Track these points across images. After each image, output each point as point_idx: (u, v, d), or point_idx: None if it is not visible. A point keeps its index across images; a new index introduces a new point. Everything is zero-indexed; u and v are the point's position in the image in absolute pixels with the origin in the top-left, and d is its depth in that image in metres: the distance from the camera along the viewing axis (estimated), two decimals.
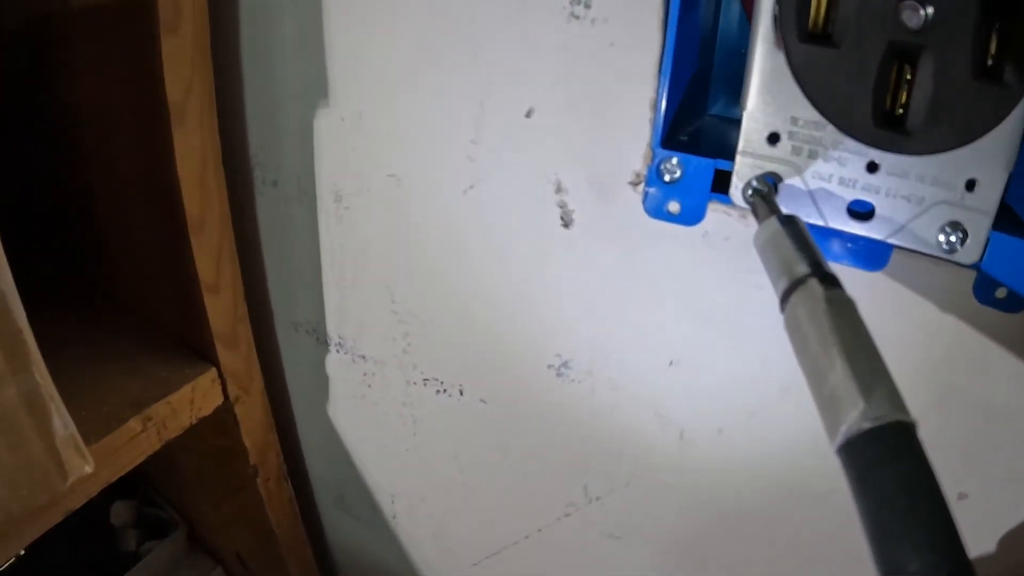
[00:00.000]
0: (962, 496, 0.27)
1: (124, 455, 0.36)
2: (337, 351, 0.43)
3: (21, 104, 0.42)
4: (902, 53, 0.19)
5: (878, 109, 0.20)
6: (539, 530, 0.41)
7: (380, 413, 0.44)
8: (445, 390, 0.39)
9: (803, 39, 0.20)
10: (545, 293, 0.33)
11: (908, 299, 0.26)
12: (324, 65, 0.33)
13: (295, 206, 0.39)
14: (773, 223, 0.19)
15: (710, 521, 0.35)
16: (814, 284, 0.16)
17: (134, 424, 0.35)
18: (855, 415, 0.13)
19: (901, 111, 0.20)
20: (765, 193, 0.22)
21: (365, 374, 0.42)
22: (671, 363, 0.31)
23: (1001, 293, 0.24)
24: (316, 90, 0.34)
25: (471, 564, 0.47)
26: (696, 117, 0.29)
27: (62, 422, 0.30)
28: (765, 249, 0.19)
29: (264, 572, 0.54)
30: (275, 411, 0.45)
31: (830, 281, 0.16)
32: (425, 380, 0.40)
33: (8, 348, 0.27)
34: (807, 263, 0.17)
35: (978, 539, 0.28)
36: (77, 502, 0.34)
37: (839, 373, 0.14)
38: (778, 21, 0.20)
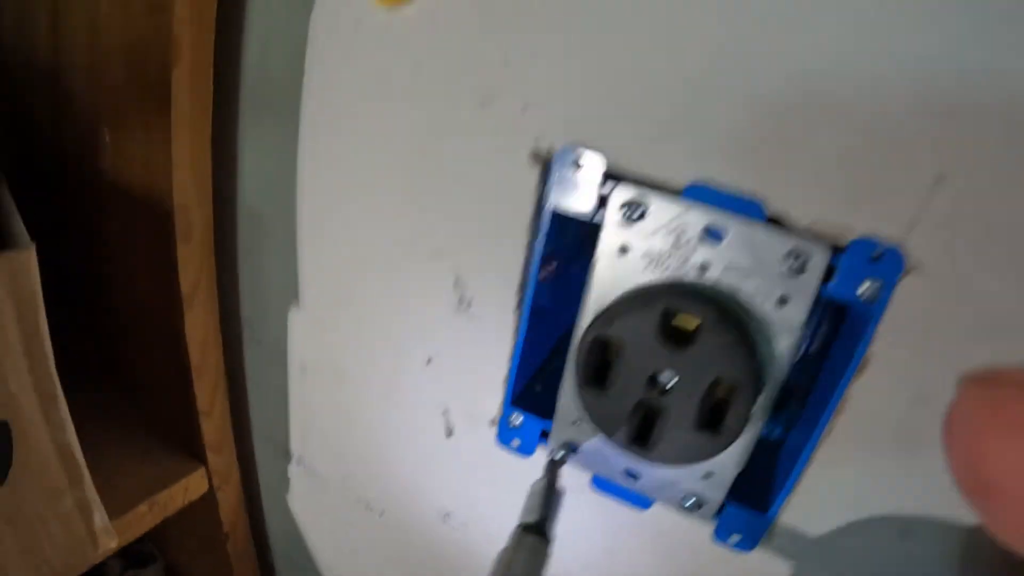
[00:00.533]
0: None
1: (135, 529, 0.49)
2: (297, 464, 0.57)
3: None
4: (649, 404, 0.31)
5: (630, 434, 0.32)
6: None
7: (321, 508, 0.58)
8: (370, 508, 0.54)
9: (585, 384, 0.32)
10: (433, 472, 0.48)
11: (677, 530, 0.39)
12: (296, 272, 0.47)
13: (273, 363, 0.52)
14: (541, 481, 0.33)
15: None
16: (521, 532, 0.30)
17: (143, 508, 0.49)
18: None
19: (647, 437, 0.32)
20: (557, 460, 0.36)
21: (315, 484, 0.57)
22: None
23: (735, 539, 0.35)
24: (290, 286, 0.48)
25: None
26: (553, 378, 0.38)
27: (100, 517, 0.43)
28: (530, 492, 0.33)
29: None
30: (249, 498, 0.58)
31: (535, 531, 0.30)
32: (358, 499, 0.54)
33: (66, 467, 0.39)
34: (533, 517, 0.31)
35: None
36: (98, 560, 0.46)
37: None
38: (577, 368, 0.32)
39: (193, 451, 0.52)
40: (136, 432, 0.54)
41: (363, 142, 0.40)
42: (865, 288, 0.29)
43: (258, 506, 0.64)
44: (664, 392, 0.32)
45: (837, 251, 0.29)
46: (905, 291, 0.28)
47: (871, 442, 0.31)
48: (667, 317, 0.31)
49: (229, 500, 0.56)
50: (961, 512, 0.28)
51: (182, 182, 0.42)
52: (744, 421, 0.31)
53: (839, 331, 0.35)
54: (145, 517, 0.49)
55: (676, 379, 0.31)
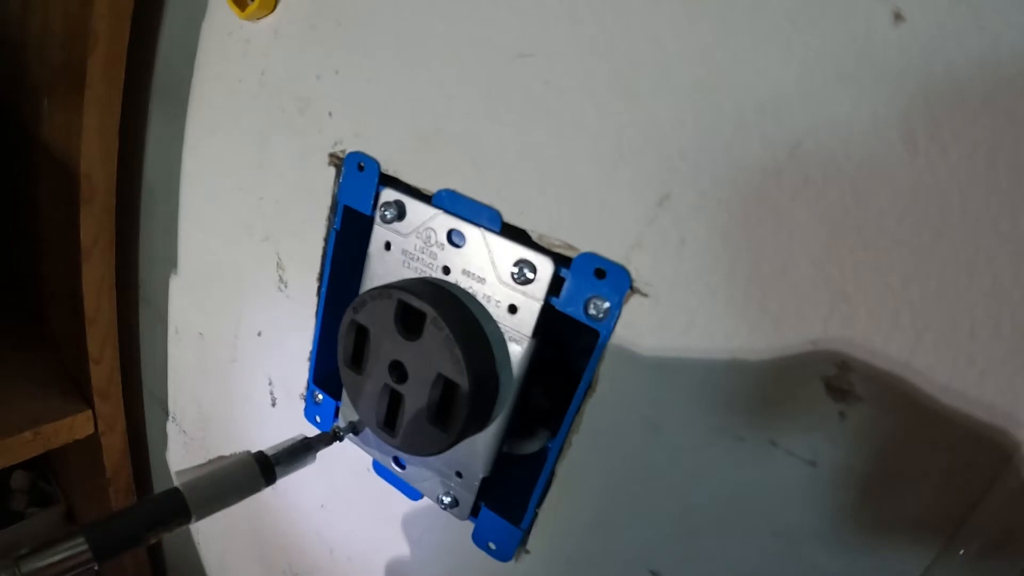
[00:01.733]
0: None
1: (17, 452, 0.55)
2: (172, 422, 0.62)
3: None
4: (393, 391, 0.33)
5: (379, 417, 0.34)
6: None
7: (193, 463, 0.63)
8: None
9: (346, 364, 0.35)
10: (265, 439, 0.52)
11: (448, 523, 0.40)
12: (174, 247, 0.53)
13: (158, 324, 0.58)
14: (300, 437, 0.37)
15: None
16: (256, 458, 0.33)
17: (28, 435, 0.55)
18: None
19: (395, 423, 0.34)
20: (331, 432, 0.39)
21: (185, 442, 0.62)
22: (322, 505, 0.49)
23: (492, 546, 0.37)
24: (171, 255, 0.53)
25: None
26: None
27: None
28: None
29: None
30: (138, 450, 0.64)
31: (260, 460, 0.33)
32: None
33: None
34: (277, 450, 0.34)
35: None
36: None
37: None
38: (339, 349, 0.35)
39: (83, 395, 0.58)
40: (34, 372, 0.60)
41: (222, 135, 0.45)
42: (593, 307, 0.30)
43: (144, 456, 0.70)
44: (404, 380, 0.34)
45: (566, 266, 0.31)
46: (632, 313, 0.29)
47: (606, 464, 0.32)
48: (405, 309, 0.33)
49: (113, 446, 0.61)
50: (701, 556, 0.30)
51: (89, 152, 0.49)
52: (466, 417, 0.32)
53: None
54: (29, 444, 0.55)
55: (412, 369, 0.34)
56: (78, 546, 0.28)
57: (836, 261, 0.24)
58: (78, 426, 0.57)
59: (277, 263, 0.44)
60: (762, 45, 0.24)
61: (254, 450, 0.35)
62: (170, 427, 0.63)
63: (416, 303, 0.32)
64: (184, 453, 0.64)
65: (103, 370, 0.56)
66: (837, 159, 0.23)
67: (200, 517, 0.32)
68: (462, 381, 0.32)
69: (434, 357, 0.32)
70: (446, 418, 0.33)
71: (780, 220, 0.25)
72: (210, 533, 0.66)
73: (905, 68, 0.21)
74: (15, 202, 0.60)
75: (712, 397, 0.28)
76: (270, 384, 0.48)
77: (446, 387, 0.33)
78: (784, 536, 0.28)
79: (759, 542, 0.28)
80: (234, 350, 0.50)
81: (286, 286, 0.43)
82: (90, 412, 0.57)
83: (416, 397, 0.33)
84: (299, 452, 0.36)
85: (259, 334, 0.48)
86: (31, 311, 0.63)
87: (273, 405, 0.49)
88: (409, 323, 0.33)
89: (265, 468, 0.34)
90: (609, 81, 0.28)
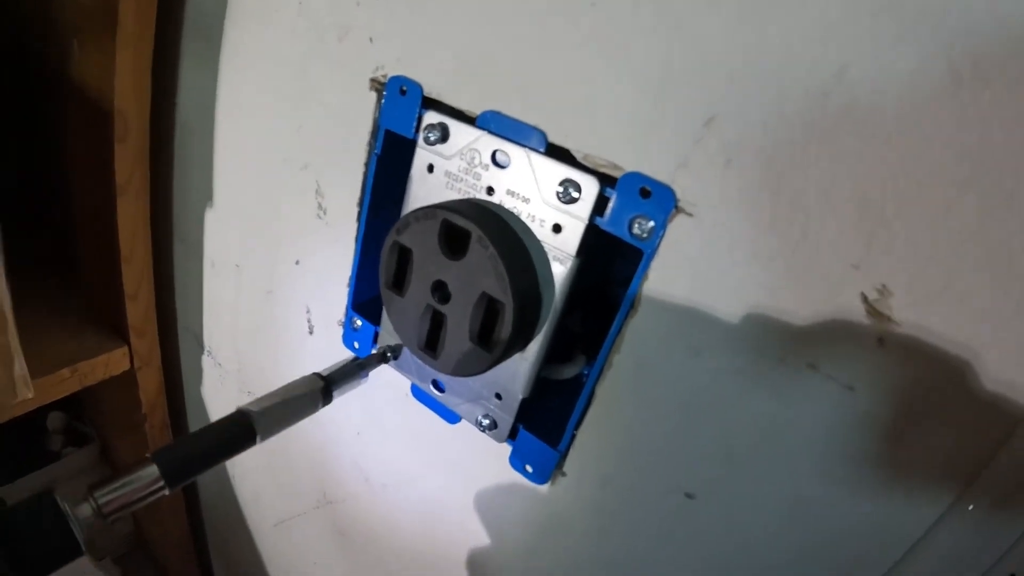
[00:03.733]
0: None
1: (56, 390, 0.56)
2: (207, 355, 0.63)
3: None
4: (436, 312, 0.34)
5: (421, 339, 0.35)
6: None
7: (224, 397, 0.65)
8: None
9: (387, 287, 0.35)
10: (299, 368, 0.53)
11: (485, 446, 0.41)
12: (209, 183, 0.53)
13: (192, 259, 0.59)
14: (352, 358, 0.38)
15: None
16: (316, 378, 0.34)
17: (65, 372, 0.56)
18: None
19: (436, 344, 0.34)
20: (376, 354, 0.40)
21: (220, 375, 0.63)
22: (359, 432, 0.50)
23: (529, 469, 0.37)
24: (207, 190, 0.54)
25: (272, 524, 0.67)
26: None
27: (20, 367, 0.49)
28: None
29: None
30: (172, 385, 0.65)
31: (325, 380, 0.34)
32: (248, 392, 0.60)
33: None
34: (332, 369, 0.35)
35: None
36: (18, 412, 0.53)
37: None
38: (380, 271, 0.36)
39: (118, 331, 0.59)
40: (70, 310, 0.61)
41: (259, 68, 0.45)
42: (637, 226, 0.31)
43: (179, 391, 0.71)
44: (447, 300, 0.35)
45: (611, 186, 0.31)
46: (676, 233, 0.29)
47: (645, 385, 0.33)
48: (449, 229, 0.33)
49: (149, 382, 0.62)
50: (735, 480, 0.31)
51: (123, 90, 0.49)
52: (510, 336, 0.33)
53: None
54: (67, 381, 0.56)
55: (455, 289, 0.34)
56: (150, 473, 0.29)
57: (879, 188, 0.24)
58: (114, 363, 0.58)
59: (316, 190, 0.44)
60: None
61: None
62: (205, 361, 0.65)
63: (461, 222, 0.32)
64: (219, 387, 0.65)
65: (139, 307, 0.57)
66: (882, 87, 0.23)
67: (264, 438, 0.33)
68: (507, 299, 0.32)
69: (478, 276, 0.33)
70: (489, 337, 0.33)
71: (824, 145, 0.25)
72: (245, 465, 0.68)
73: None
74: (45, 143, 0.60)
75: (753, 320, 0.28)
76: (307, 312, 0.49)
77: (489, 306, 0.33)
78: (818, 464, 0.28)
79: (793, 467, 0.29)
80: (271, 280, 0.51)
81: (325, 213, 0.44)
82: (126, 348, 0.59)
83: (459, 317, 0.34)
84: (353, 372, 0.37)
85: (297, 263, 0.48)
86: (64, 250, 0.64)
87: (310, 333, 0.50)
88: (453, 243, 0.33)
89: (324, 388, 0.35)
90: (657, 2, 0.27)
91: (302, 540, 0.64)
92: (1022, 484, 0.24)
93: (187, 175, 0.56)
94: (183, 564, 0.82)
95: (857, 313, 0.26)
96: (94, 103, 0.51)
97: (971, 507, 0.25)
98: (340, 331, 0.47)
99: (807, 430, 0.28)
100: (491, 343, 0.33)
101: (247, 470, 0.68)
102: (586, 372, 0.42)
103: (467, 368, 0.35)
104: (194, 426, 0.73)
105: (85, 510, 0.26)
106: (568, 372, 0.41)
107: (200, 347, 0.64)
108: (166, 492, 0.30)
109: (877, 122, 0.23)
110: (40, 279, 0.62)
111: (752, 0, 0.25)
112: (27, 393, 0.51)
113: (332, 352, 0.48)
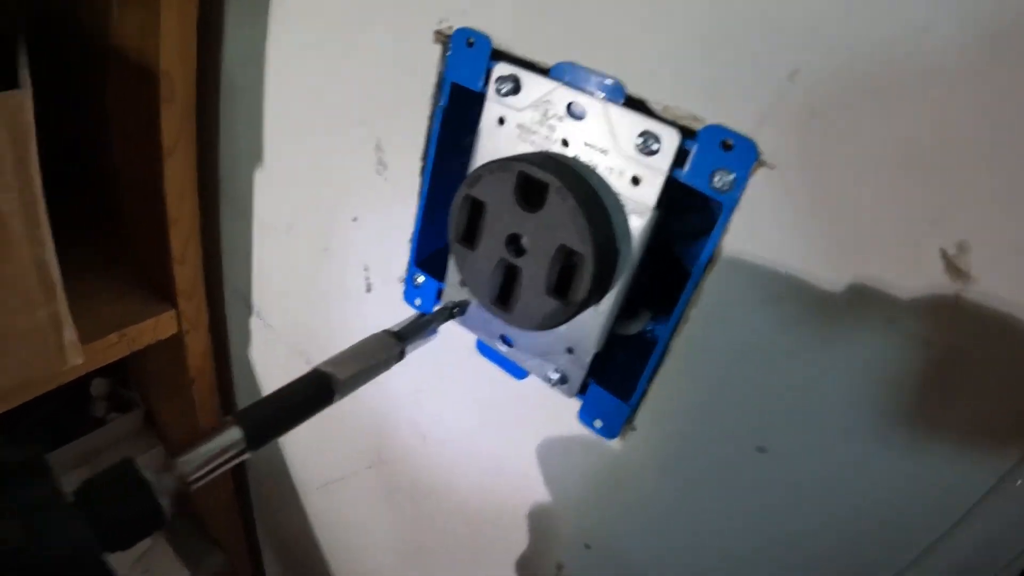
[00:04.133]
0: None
1: (104, 355, 0.56)
2: (256, 317, 0.63)
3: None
4: (509, 266, 0.34)
5: (493, 293, 0.34)
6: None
7: (274, 358, 0.65)
8: (309, 360, 0.60)
9: (457, 240, 0.35)
10: (355, 326, 0.53)
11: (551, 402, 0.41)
12: (258, 142, 0.52)
13: (240, 219, 0.58)
14: (419, 313, 0.37)
15: None
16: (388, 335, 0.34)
17: (114, 337, 0.56)
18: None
19: (508, 298, 0.34)
20: (444, 309, 0.40)
21: (269, 337, 0.63)
22: (417, 390, 0.50)
23: (598, 424, 0.38)
24: (256, 149, 0.53)
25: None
26: None
27: (70, 333, 0.50)
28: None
29: None
30: (217, 347, 0.65)
31: (397, 336, 0.34)
32: (295, 351, 0.60)
33: (42, 282, 0.46)
34: (403, 325, 0.35)
35: None
36: (68, 378, 0.54)
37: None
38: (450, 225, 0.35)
39: (166, 295, 0.59)
40: (116, 274, 0.61)
41: (312, 23, 0.44)
42: (718, 179, 0.30)
43: (225, 355, 0.71)
44: (521, 254, 0.35)
45: (691, 137, 0.30)
46: (758, 186, 0.29)
47: (722, 339, 0.33)
48: (525, 181, 0.33)
49: (196, 345, 0.62)
50: (806, 435, 0.31)
51: (169, 50, 0.48)
52: (588, 289, 0.32)
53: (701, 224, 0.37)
54: (115, 346, 0.56)
55: (531, 242, 0.34)
56: (232, 436, 0.28)
57: (960, 145, 0.24)
58: (162, 326, 0.59)
59: (376, 146, 0.43)
60: None
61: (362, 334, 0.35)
62: (254, 323, 0.65)
63: (539, 174, 0.32)
64: (269, 349, 0.65)
65: (187, 270, 0.57)
66: (962, 42, 0.23)
67: (341, 397, 0.33)
68: (586, 251, 0.32)
69: (556, 229, 0.32)
70: (566, 291, 0.33)
71: (907, 100, 0.24)
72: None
73: None
74: (88, 107, 0.59)
75: (834, 273, 0.28)
76: (365, 270, 0.49)
77: (567, 259, 0.33)
78: (893, 419, 0.28)
79: (869, 422, 0.29)
80: (327, 238, 0.51)
81: (385, 168, 0.43)
82: (173, 312, 0.59)
83: (535, 270, 0.34)
84: (423, 327, 0.37)
85: (354, 220, 0.48)
86: (109, 214, 0.63)
87: (368, 291, 0.50)
88: (530, 196, 0.33)
89: (398, 346, 0.35)
90: None
91: (351, 503, 0.65)
92: None
93: (234, 135, 0.55)
94: (228, 527, 0.83)
95: (935, 269, 0.25)
96: (136, 64, 0.50)
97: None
98: (399, 288, 0.47)
99: (884, 385, 0.28)
100: (569, 297, 0.33)
101: (295, 431, 0.69)
102: (650, 328, 0.42)
103: (543, 322, 0.34)
104: (241, 388, 0.73)
105: (168, 478, 0.25)
106: (635, 327, 0.41)
107: (248, 309, 0.64)
108: (248, 455, 0.29)
109: (961, 81, 0.23)
110: (86, 243, 0.62)
111: None
112: (77, 359, 0.51)
113: (390, 310, 0.48)
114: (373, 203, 0.46)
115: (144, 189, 0.54)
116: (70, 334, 0.50)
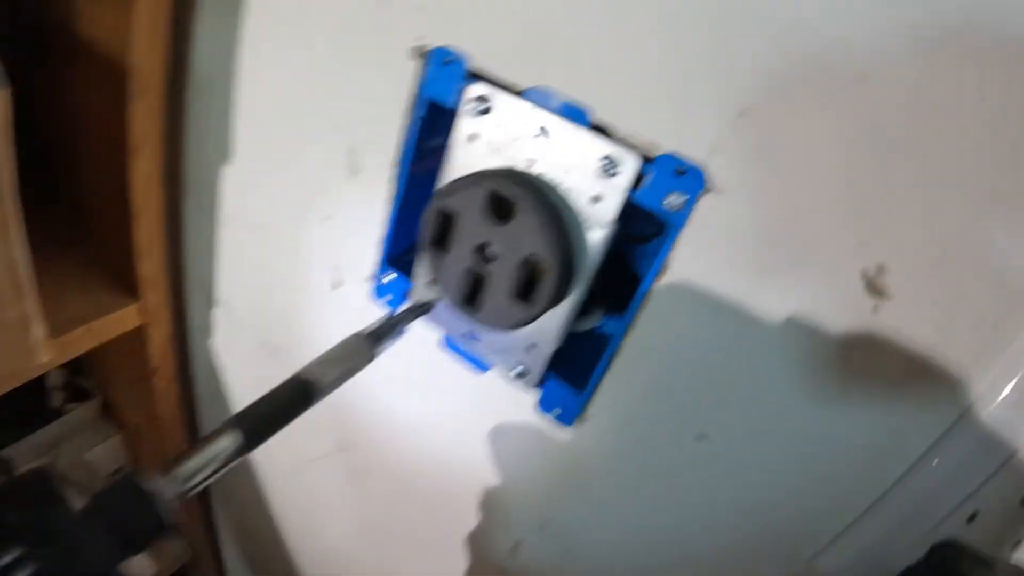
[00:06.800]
0: None
1: (71, 349, 0.56)
2: (220, 309, 0.64)
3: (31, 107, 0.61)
4: (477, 270, 0.36)
5: (462, 294, 0.37)
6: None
7: (238, 349, 0.66)
8: (275, 354, 0.62)
9: (430, 246, 0.38)
10: (321, 321, 0.55)
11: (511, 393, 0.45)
12: (228, 140, 0.54)
13: (203, 213, 0.59)
14: (391, 312, 0.40)
15: None
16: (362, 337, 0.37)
17: (79, 331, 0.56)
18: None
19: (476, 299, 0.37)
20: (412, 308, 0.42)
21: (234, 328, 0.64)
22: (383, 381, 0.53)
23: (556, 412, 0.42)
24: (225, 145, 0.54)
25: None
26: None
27: (40, 331, 0.50)
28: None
29: (150, 445, 0.76)
30: (178, 338, 0.66)
31: (371, 338, 0.37)
32: (260, 343, 0.62)
33: (13, 282, 0.46)
34: (375, 327, 0.37)
35: None
36: (35, 374, 0.54)
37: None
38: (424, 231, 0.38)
39: (129, 288, 0.59)
40: (81, 268, 0.61)
41: (290, 26, 0.46)
42: (670, 200, 0.34)
43: (185, 346, 0.72)
44: (489, 261, 0.38)
45: (648, 163, 0.34)
46: (705, 209, 0.33)
47: (668, 338, 0.37)
48: (494, 196, 0.36)
49: (159, 336, 0.63)
50: (754, 423, 0.36)
51: (140, 47, 0.48)
52: (551, 295, 0.36)
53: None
54: (82, 340, 0.56)
55: (498, 251, 0.37)
56: (229, 443, 0.30)
57: (881, 177, 0.29)
58: (127, 319, 0.59)
59: (350, 150, 0.45)
60: None
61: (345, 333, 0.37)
62: (217, 315, 0.66)
63: (508, 191, 0.35)
64: (229, 341, 0.67)
65: (150, 263, 0.58)
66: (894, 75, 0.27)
67: (319, 399, 0.35)
68: (551, 262, 0.35)
69: (524, 240, 0.36)
70: (530, 295, 0.37)
71: (838, 140, 0.29)
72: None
73: None
74: (51, 101, 0.58)
75: (767, 286, 0.33)
76: (335, 267, 0.51)
77: (532, 266, 0.36)
78: (819, 406, 0.34)
79: (798, 409, 0.34)
80: (296, 236, 0.52)
81: (359, 172, 0.46)
82: (137, 305, 0.59)
83: (502, 276, 0.37)
84: (392, 329, 0.39)
85: (325, 219, 0.50)
86: (73, 207, 0.63)
87: (335, 288, 0.52)
88: (499, 209, 0.36)
89: (371, 348, 0.37)
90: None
91: (313, 487, 0.67)
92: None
93: (203, 131, 0.55)
94: (186, 513, 0.84)
95: (856, 286, 0.31)
96: (106, 60, 0.50)
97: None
98: (367, 286, 0.49)
99: (809, 376, 0.34)
100: (533, 301, 0.37)
101: None
102: (602, 324, 0.46)
103: (507, 322, 0.38)
104: (202, 380, 0.74)
105: (169, 489, 0.27)
106: (589, 323, 0.45)
107: (210, 302, 0.65)
108: (237, 461, 0.31)
109: (903, 115, 0.28)
110: (51, 238, 0.61)
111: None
112: (46, 356, 0.51)
113: (358, 305, 0.51)
114: (345, 204, 0.48)
115: (110, 183, 0.54)
116: (39, 331, 0.50)
